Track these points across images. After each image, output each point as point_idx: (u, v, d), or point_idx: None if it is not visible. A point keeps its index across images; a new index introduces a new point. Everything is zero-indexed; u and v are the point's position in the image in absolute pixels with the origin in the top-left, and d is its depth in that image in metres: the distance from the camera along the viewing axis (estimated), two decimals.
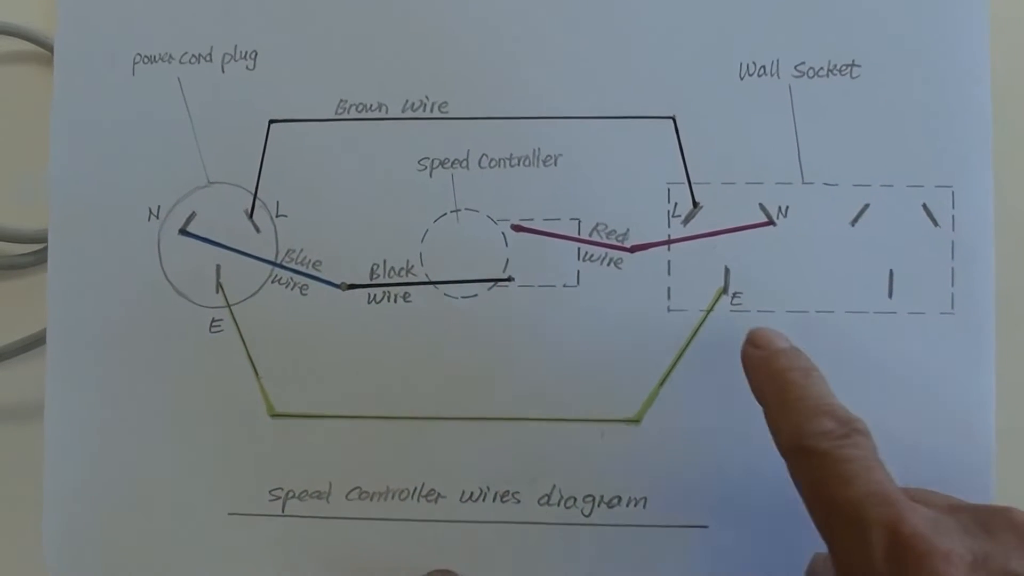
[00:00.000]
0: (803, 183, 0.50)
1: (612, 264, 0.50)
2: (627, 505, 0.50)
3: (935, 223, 0.51)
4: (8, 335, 0.57)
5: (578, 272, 0.50)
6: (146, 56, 0.51)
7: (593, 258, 0.50)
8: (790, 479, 0.41)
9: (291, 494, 0.51)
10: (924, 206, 0.51)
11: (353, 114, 0.51)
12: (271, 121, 0.51)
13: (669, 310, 0.50)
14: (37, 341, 0.56)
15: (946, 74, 0.51)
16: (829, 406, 0.37)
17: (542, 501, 0.50)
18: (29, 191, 0.58)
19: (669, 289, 0.50)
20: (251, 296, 0.51)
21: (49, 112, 0.64)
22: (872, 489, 0.33)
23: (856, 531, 0.32)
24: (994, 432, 0.50)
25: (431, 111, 0.51)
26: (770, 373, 0.40)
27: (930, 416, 0.50)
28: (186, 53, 0.51)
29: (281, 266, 0.51)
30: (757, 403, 0.44)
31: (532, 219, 0.50)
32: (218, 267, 0.51)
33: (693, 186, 0.50)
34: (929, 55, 0.51)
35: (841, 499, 0.33)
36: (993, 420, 0.50)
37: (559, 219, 0.51)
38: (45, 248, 0.60)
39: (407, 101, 0.51)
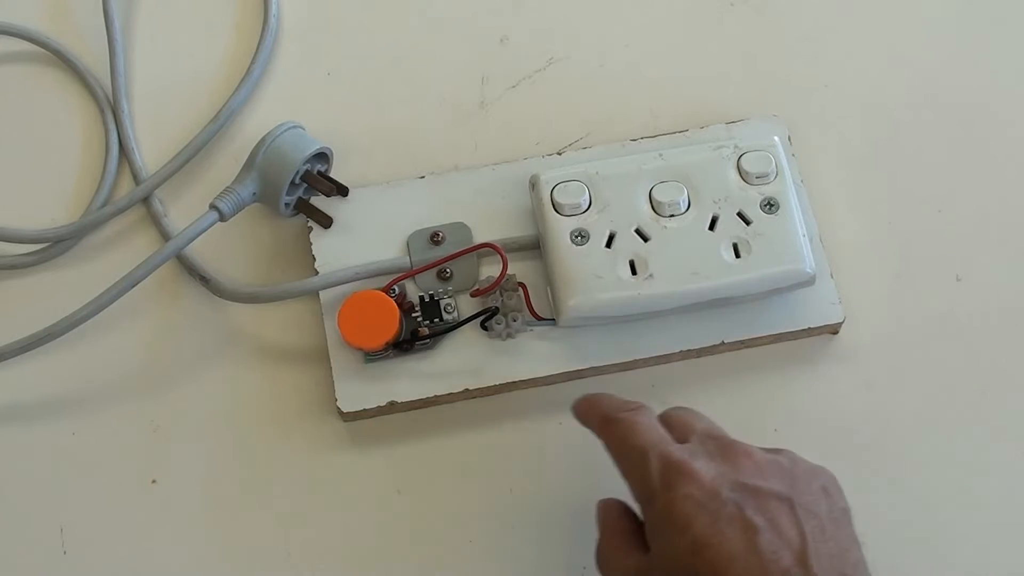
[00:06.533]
0: None
1: None
2: None
3: None
4: (8, 335, 0.57)
5: None
6: None
7: None
8: None
9: None
10: None
11: None
12: None
13: None
14: (37, 341, 0.57)
15: None
16: (623, 402, 0.51)
17: None
18: None
19: None
20: None
21: (50, 111, 0.66)
22: (649, 437, 0.48)
23: (642, 462, 0.47)
24: None
25: None
26: (588, 402, 0.52)
27: None
28: None
29: None
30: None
31: None
32: None
33: None
34: None
35: (634, 444, 0.48)
36: None
37: None
38: (46, 248, 0.61)
39: None
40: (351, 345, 0.56)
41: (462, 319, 0.57)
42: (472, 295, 0.58)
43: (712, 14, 0.67)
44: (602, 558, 0.49)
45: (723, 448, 0.48)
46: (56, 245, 0.62)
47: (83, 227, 0.61)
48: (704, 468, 0.47)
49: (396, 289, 0.57)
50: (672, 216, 0.57)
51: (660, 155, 0.58)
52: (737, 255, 0.56)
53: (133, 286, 0.57)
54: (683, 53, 0.66)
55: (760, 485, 0.46)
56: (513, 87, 0.65)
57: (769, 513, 0.46)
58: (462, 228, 0.60)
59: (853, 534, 0.47)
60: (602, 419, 0.50)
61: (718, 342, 0.58)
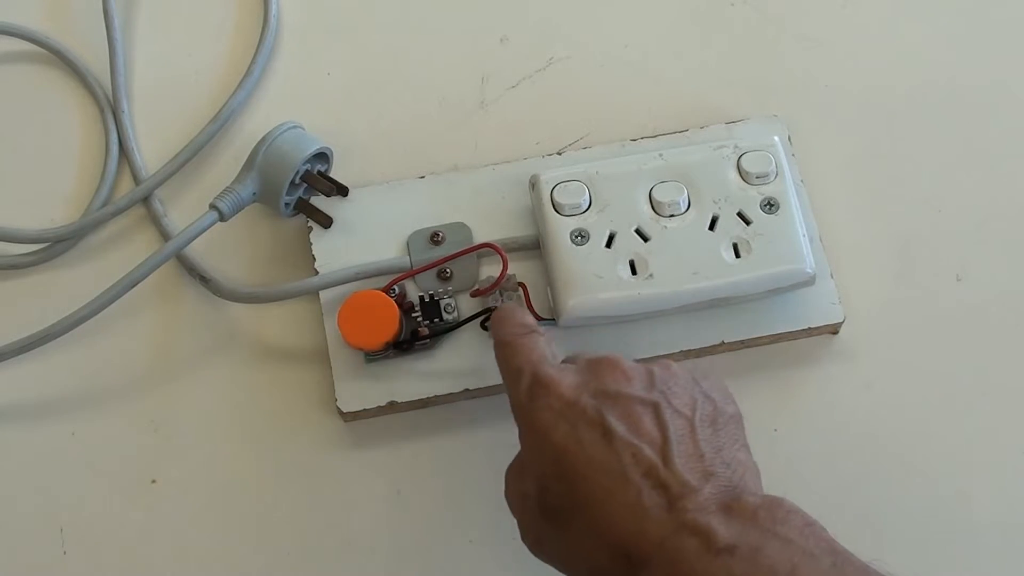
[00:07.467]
0: None
1: None
2: None
3: None
4: (8, 335, 0.57)
5: None
6: None
7: None
8: None
9: None
10: None
11: None
12: None
13: None
14: (37, 341, 0.57)
15: None
16: (522, 324, 0.51)
17: None
18: None
19: None
20: None
21: (50, 111, 0.66)
22: (529, 357, 0.49)
23: (516, 379, 0.48)
24: None
25: None
26: (497, 318, 0.53)
27: None
28: None
29: None
30: None
31: None
32: None
33: None
34: None
35: (513, 364, 0.49)
36: None
37: None
38: (46, 248, 0.61)
39: None
40: (351, 345, 0.56)
41: (462, 319, 0.57)
42: (472, 295, 0.58)
43: (712, 14, 0.67)
44: (506, 482, 0.50)
45: (594, 363, 0.49)
46: (56, 245, 0.62)
47: (83, 227, 0.61)
48: (568, 380, 0.47)
49: (396, 289, 0.57)
50: (672, 216, 0.57)
51: (660, 155, 0.58)
52: (737, 255, 0.56)
53: (133, 286, 0.57)
54: (683, 53, 0.66)
55: (623, 391, 0.47)
56: (513, 87, 0.65)
57: (631, 417, 0.46)
58: (462, 228, 0.60)
59: (735, 436, 0.48)
60: (496, 342, 0.51)
61: (718, 342, 0.58)
